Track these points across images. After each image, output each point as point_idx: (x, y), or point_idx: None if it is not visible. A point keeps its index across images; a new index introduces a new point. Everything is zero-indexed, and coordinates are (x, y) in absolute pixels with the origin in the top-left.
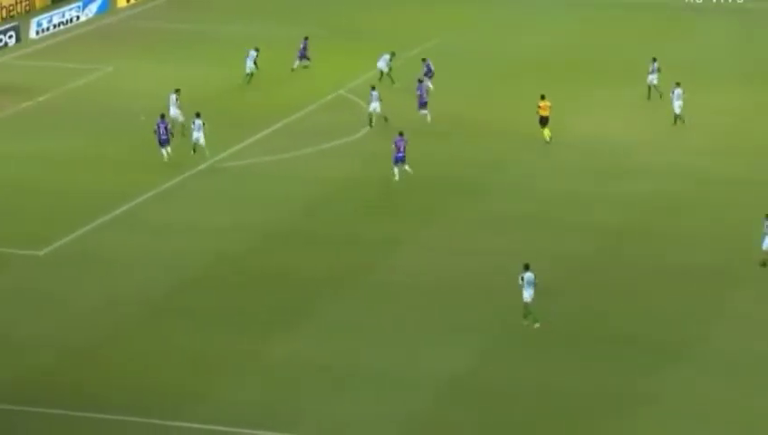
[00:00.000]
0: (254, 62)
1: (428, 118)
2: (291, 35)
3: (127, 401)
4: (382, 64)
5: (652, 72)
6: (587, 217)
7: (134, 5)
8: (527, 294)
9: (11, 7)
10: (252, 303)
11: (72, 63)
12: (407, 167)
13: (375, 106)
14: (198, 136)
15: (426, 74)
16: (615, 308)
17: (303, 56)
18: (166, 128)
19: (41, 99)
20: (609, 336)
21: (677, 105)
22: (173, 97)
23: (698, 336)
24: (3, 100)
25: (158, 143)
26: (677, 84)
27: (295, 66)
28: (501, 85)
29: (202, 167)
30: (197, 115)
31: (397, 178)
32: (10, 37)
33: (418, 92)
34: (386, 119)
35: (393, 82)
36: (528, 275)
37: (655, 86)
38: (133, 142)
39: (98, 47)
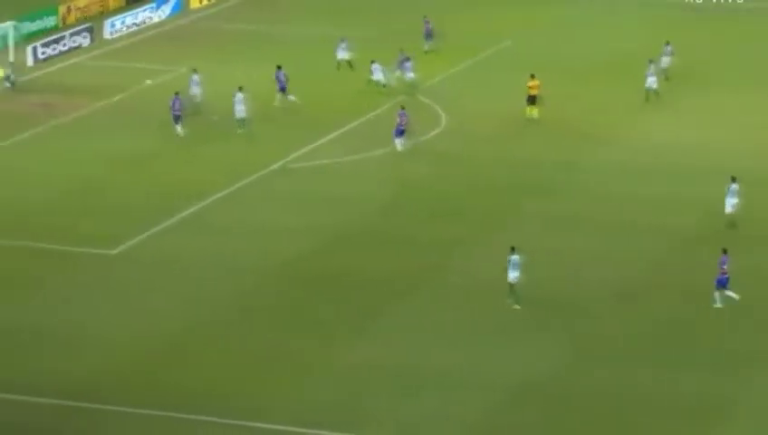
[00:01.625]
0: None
1: (399, 147)
2: (361, 36)
3: (199, 400)
4: (380, 75)
5: (664, 55)
6: (660, 220)
7: (207, 7)
8: (513, 276)
9: (86, 8)
10: (322, 304)
11: (144, 64)
12: (398, 141)
13: (380, 77)
14: (241, 109)
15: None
16: (688, 312)
17: (283, 89)
18: (180, 104)
19: (114, 99)
20: (685, 340)
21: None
22: (195, 78)
23: None
24: (77, 100)
25: (172, 119)
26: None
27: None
28: (573, 86)
29: (273, 167)
30: (240, 89)
31: (396, 149)
32: (84, 38)
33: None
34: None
35: (386, 85)
36: (514, 258)
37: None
38: (205, 142)
39: (170, 48)
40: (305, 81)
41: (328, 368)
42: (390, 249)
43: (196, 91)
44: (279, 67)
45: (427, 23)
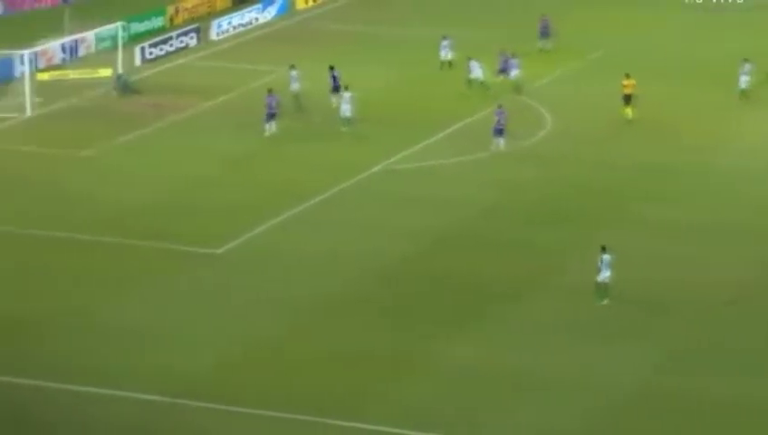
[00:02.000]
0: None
1: (499, 147)
2: (470, 38)
3: (297, 399)
4: (478, 72)
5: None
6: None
7: (313, 7)
8: (604, 275)
9: (193, 9)
10: (423, 305)
11: (251, 65)
12: (498, 141)
13: (478, 73)
14: (347, 108)
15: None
16: None
17: (336, 87)
18: (276, 102)
19: (220, 99)
20: None
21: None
22: (294, 74)
23: None
24: (184, 100)
25: (264, 118)
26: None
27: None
28: (682, 88)
29: (376, 169)
30: (346, 88)
31: (496, 148)
32: (191, 38)
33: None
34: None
35: (487, 88)
36: (606, 257)
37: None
38: (309, 143)
39: (276, 48)
40: (409, 82)
41: (428, 370)
42: (493, 252)
43: (295, 87)
44: (332, 67)
45: (545, 21)
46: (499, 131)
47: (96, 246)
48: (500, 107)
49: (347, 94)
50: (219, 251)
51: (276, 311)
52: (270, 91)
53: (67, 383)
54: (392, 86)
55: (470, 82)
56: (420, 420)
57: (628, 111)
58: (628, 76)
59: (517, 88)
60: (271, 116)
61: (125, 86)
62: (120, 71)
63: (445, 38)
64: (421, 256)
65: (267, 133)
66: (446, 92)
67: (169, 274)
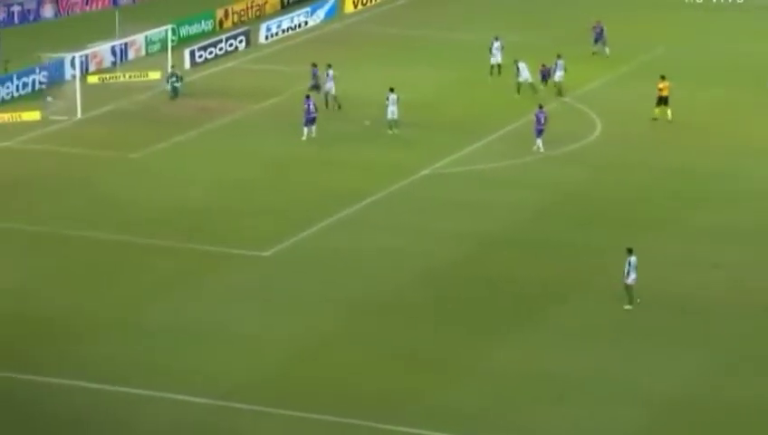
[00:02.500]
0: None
1: (540, 148)
2: (521, 42)
3: (345, 402)
4: (526, 75)
5: None
6: None
7: (362, 11)
8: (632, 278)
9: (242, 12)
10: (472, 308)
11: (299, 68)
12: (539, 142)
13: (526, 76)
14: (330, 86)
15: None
16: None
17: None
18: (314, 106)
19: (269, 102)
20: None
21: None
22: (330, 73)
23: None
24: (233, 103)
25: (304, 122)
26: None
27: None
28: (729, 91)
29: (425, 172)
30: (392, 90)
31: (542, 149)
32: (240, 42)
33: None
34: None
35: (536, 90)
36: (633, 259)
37: None
38: (357, 145)
39: (325, 52)
40: (458, 85)
41: (474, 373)
42: (540, 255)
43: (330, 85)
44: (314, 65)
45: (599, 26)
46: (539, 132)
47: (143, 248)
48: (540, 107)
49: (393, 96)
50: (266, 254)
51: (323, 313)
52: (308, 95)
53: (113, 385)
54: (440, 89)
55: (519, 85)
56: (466, 424)
57: (665, 112)
58: (663, 78)
59: (560, 90)
60: (310, 120)
61: (174, 90)
62: (176, 71)
63: (496, 39)
64: (469, 259)
65: (305, 138)
66: (495, 96)
67: (217, 276)
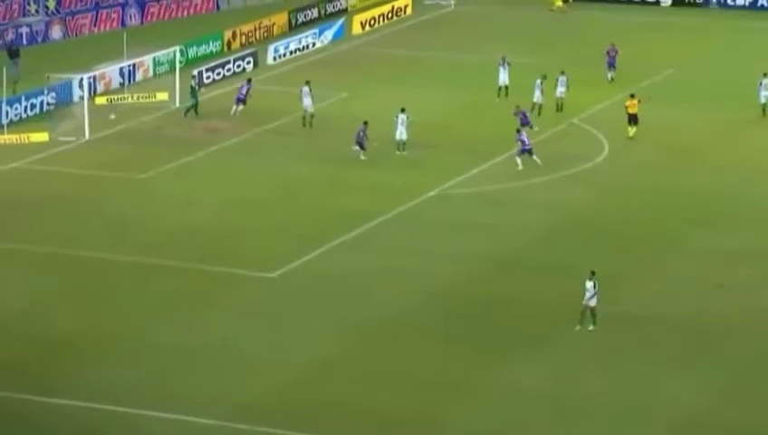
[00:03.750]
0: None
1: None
2: (530, 64)
3: (352, 424)
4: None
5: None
6: None
7: (369, 33)
8: (592, 300)
9: (250, 34)
10: (482, 330)
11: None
12: (535, 157)
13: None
14: (402, 130)
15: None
16: None
17: (241, 100)
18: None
19: (276, 123)
20: None
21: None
22: (305, 89)
23: None
24: (240, 124)
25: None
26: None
27: (232, 112)
28: (738, 114)
29: (432, 193)
30: (402, 110)
31: (520, 167)
32: (248, 63)
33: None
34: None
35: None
36: (590, 284)
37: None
38: (364, 167)
39: (332, 73)
40: (465, 106)
41: (486, 395)
42: (549, 278)
43: (307, 102)
44: (249, 80)
45: (613, 51)
46: (529, 151)
47: (152, 268)
48: (518, 132)
49: (402, 116)
50: (273, 275)
51: (330, 334)
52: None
53: (123, 406)
54: (448, 110)
55: (534, 105)
56: None
57: (631, 130)
58: (632, 96)
59: (559, 106)
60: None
61: (186, 108)
62: (196, 85)
63: (503, 60)
64: (478, 280)
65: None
66: (503, 117)
67: (224, 296)
